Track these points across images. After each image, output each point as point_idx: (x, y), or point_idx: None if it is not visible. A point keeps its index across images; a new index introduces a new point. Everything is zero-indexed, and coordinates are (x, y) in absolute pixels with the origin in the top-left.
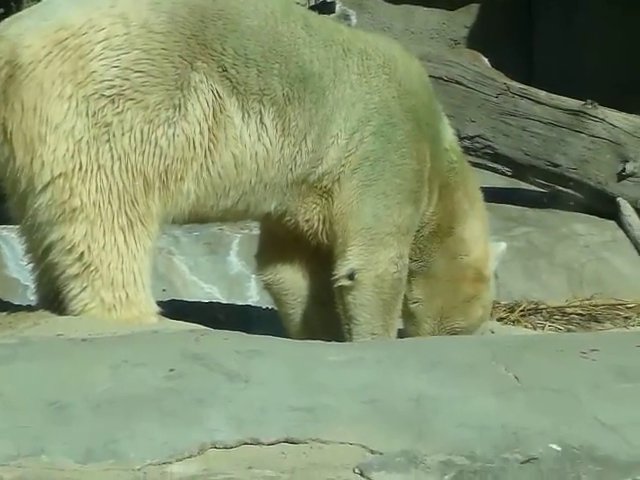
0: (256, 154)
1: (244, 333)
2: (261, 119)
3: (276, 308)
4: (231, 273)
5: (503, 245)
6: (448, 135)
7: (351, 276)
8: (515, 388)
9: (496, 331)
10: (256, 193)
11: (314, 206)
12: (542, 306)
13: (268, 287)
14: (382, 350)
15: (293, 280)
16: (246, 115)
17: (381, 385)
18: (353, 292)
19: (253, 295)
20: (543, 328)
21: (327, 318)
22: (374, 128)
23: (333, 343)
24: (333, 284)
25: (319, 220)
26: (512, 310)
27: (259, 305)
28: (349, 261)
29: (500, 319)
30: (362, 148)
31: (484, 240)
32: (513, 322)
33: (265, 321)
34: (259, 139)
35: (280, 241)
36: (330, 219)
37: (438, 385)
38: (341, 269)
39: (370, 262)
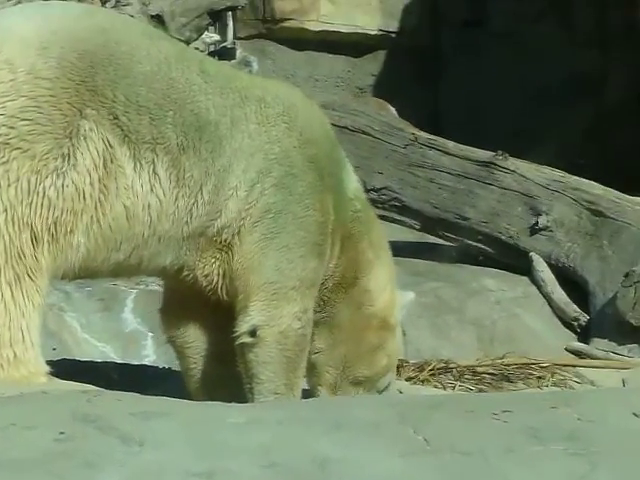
0: (149, 205)
1: (139, 394)
2: (154, 169)
3: (178, 364)
4: (126, 331)
5: (411, 294)
6: (352, 184)
7: (253, 333)
8: (424, 451)
9: (404, 391)
10: (149, 247)
11: (213, 260)
12: (452, 365)
13: (171, 341)
14: (284, 410)
15: (197, 334)
16: (138, 165)
17: (283, 447)
18: (255, 349)
19: (149, 354)
20: (453, 388)
21: (229, 376)
22: (275, 180)
23: (233, 404)
24: (234, 341)
25: (219, 275)
26: (421, 369)
27: (155, 364)
28: (251, 317)
29: (409, 378)
30: (263, 200)
31: (390, 289)
32: (422, 382)
33: (161, 381)
34: (152, 190)
35: (182, 295)
36: (230, 274)
37: (343, 447)
38: (242, 325)
39: (273, 318)
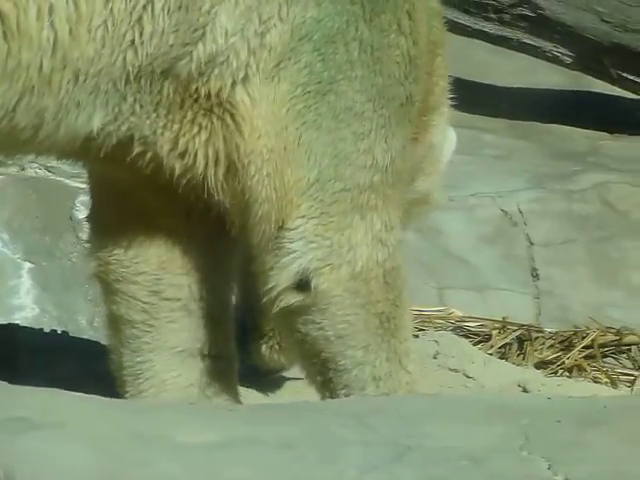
0: (51, 8)
1: (4, 383)
2: None
3: (107, 313)
4: None
5: (452, 135)
6: None
7: (302, 284)
8: None
9: (530, 388)
10: (56, 93)
11: (196, 129)
12: (630, 338)
13: (104, 271)
14: (296, 419)
15: (160, 263)
16: None
17: None
18: (312, 315)
19: (25, 303)
20: (632, 385)
21: (213, 358)
22: None
23: (196, 406)
24: (267, 304)
25: (208, 157)
26: (568, 345)
27: (38, 325)
28: (295, 253)
29: (543, 363)
30: (294, 15)
31: None
32: (569, 370)
33: (50, 358)
34: None
35: (128, 194)
36: (236, 159)
37: None
38: (278, 273)
39: (338, 249)
